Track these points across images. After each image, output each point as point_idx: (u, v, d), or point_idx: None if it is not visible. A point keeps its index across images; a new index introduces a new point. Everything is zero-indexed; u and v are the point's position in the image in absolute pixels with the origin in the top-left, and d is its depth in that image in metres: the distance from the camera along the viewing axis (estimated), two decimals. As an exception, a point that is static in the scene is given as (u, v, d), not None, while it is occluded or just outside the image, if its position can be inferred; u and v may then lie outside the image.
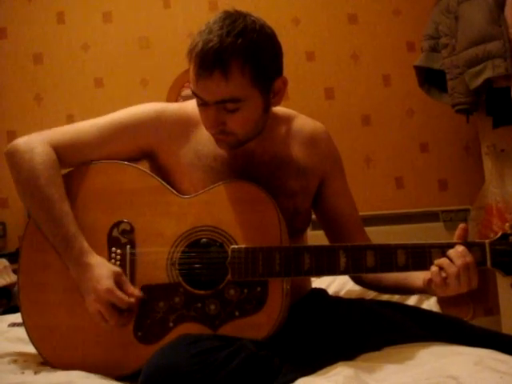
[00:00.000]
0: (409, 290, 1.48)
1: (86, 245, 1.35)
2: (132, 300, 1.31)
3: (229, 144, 1.39)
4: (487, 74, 2.43)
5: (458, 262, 1.26)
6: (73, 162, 1.45)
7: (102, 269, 1.32)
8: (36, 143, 1.41)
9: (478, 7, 2.48)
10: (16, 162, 1.40)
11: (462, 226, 1.34)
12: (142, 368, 1.18)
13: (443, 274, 1.27)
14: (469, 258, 1.27)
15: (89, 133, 1.46)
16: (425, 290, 1.39)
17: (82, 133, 1.46)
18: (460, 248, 1.28)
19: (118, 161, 1.45)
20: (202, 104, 1.34)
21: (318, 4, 3.41)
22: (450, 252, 1.28)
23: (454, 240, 1.33)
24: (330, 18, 3.41)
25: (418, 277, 1.38)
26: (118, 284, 1.32)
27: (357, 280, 1.61)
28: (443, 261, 1.28)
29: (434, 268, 1.28)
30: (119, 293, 1.30)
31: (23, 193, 1.41)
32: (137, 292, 1.33)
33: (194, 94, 1.34)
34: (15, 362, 1.40)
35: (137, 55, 3.39)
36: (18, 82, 3.38)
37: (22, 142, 1.42)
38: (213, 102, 1.31)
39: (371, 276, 1.51)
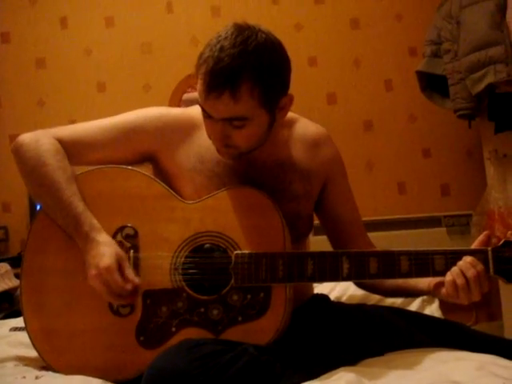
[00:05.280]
0: (411, 292, 1.47)
1: (95, 221, 1.36)
2: (128, 287, 1.30)
3: (231, 155, 1.39)
4: (489, 80, 2.43)
5: (468, 273, 1.26)
6: (73, 158, 1.46)
7: (107, 247, 1.33)
8: (40, 136, 1.44)
9: (480, 13, 2.49)
10: (22, 154, 1.43)
11: (486, 232, 1.34)
12: (144, 372, 1.19)
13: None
14: (479, 268, 1.27)
15: (91, 133, 1.47)
16: (428, 293, 1.39)
17: (85, 132, 1.48)
18: (468, 259, 1.28)
19: (122, 166, 1.45)
20: (208, 117, 1.33)
21: (320, 10, 3.42)
22: (460, 264, 1.28)
23: (475, 244, 1.33)
24: (332, 24, 3.42)
25: (421, 279, 1.38)
26: (120, 267, 1.31)
27: (358, 283, 1.61)
28: (453, 271, 1.28)
29: (448, 278, 1.28)
30: (117, 275, 1.29)
31: (31, 183, 1.43)
32: (136, 280, 1.32)
33: (201, 107, 1.33)
34: (16, 366, 1.40)
35: (139, 60, 3.40)
36: (21, 86, 3.40)
37: (26, 136, 1.46)
38: (219, 119, 1.31)
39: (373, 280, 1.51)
